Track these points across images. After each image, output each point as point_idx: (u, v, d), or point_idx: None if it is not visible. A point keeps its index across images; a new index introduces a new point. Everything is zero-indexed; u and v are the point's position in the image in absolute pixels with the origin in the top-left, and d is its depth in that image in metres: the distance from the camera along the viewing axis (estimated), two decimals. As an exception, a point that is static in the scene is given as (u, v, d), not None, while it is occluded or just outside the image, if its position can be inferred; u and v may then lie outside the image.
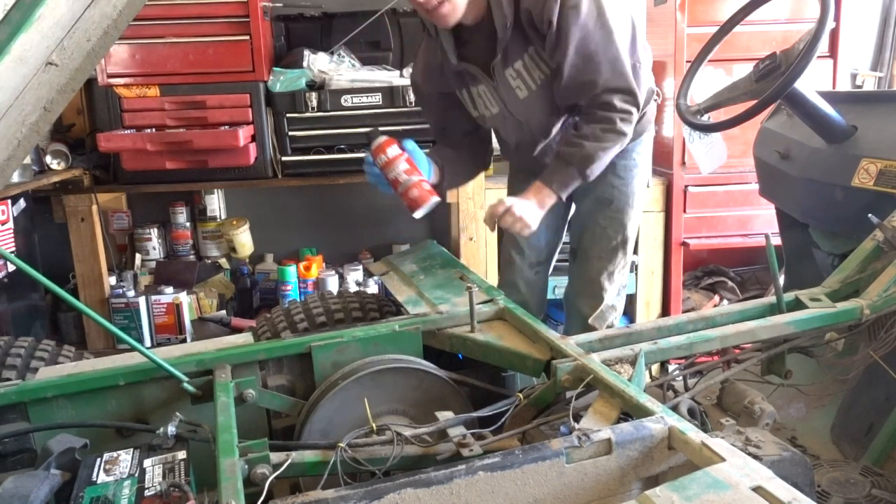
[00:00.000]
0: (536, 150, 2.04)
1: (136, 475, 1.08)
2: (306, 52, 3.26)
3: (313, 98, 3.15)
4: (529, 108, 1.96)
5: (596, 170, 1.87)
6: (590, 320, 2.09)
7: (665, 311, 3.29)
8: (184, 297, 3.38)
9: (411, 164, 1.84)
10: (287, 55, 3.36)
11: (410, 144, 1.89)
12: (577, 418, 1.15)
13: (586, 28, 1.77)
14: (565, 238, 2.34)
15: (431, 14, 1.81)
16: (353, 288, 3.42)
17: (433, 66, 2.03)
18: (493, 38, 1.86)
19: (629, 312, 3.40)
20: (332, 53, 3.31)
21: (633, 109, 1.85)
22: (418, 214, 1.84)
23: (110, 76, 3.09)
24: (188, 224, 3.67)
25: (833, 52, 3.11)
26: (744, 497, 0.86)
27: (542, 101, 1.94)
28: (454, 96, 2.07)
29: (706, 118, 2.06)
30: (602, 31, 1.79)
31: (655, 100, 2.11)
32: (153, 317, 3.36)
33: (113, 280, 3.37)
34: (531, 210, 1.84)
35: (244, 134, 3.05)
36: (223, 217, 3.69)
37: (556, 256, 2.34)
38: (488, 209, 1.86)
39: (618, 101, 1.83)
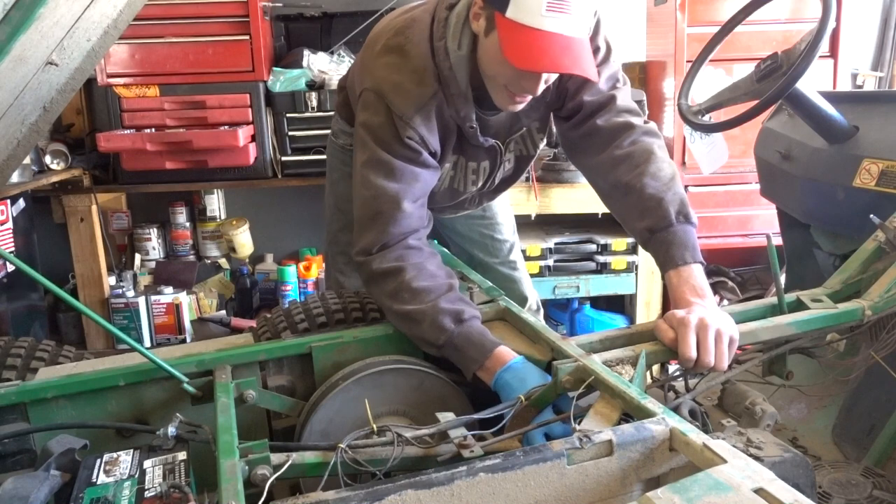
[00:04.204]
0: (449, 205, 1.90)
1: (137, 476, 1.08)
2: (306, 52, 3.27)
3: (313, 98, 3.15)
4: (502, 182, 1.87)
5: (691, 208, 1.55)
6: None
7: (665, 312, 3.29)
8: (183, 298, 3.38)
9: None
10: (287, 55, 3.37)
11: None
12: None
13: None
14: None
15: (510, 102, 1.55)
16: (353, 288, 3.41)
17: (447, 127, 1.60)
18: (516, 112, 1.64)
19: (629, 313, 3.41)
20: (332, 53, 3.31)
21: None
22: None
23: (110, 76, 3.10)
24: (188, 224, 3.67)
25: (833, 52, 3.11)
26: (745, 499, 0.85)
27: (514, 173, 1.86)
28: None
29: (707, 118, 2.06)
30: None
31: None
32: (153, 317, 3.36)
33: (112, 280, 3.37)
34: (718, 315, 1.38)
35: (244, 134, 3.05)
36: (223, 217, 3.70)
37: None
38: (683, 353, 1.32)
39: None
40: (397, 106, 1.53)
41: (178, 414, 1.19)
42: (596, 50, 1.61)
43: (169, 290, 3.39)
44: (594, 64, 1.46)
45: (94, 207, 3.21)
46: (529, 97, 1.54)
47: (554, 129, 1.81)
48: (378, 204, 1.53)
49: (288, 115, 3.17)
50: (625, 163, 1.58)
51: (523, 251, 2.74)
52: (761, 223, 3.14)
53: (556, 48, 1.38)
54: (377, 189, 1.53)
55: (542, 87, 1.49)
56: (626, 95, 1.67)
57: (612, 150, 1.60)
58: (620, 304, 3.52)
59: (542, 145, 1.85)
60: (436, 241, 2.30)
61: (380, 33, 1.66)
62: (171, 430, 1.16)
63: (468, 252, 2.26)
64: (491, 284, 1.82)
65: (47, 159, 3.09)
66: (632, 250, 3.25)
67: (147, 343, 3.32)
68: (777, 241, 2.22)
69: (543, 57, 1.38)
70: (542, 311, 2.36)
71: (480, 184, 1.81)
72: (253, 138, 3.15)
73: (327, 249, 2.18)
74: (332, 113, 3.12)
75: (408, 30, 1.59)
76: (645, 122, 1.64)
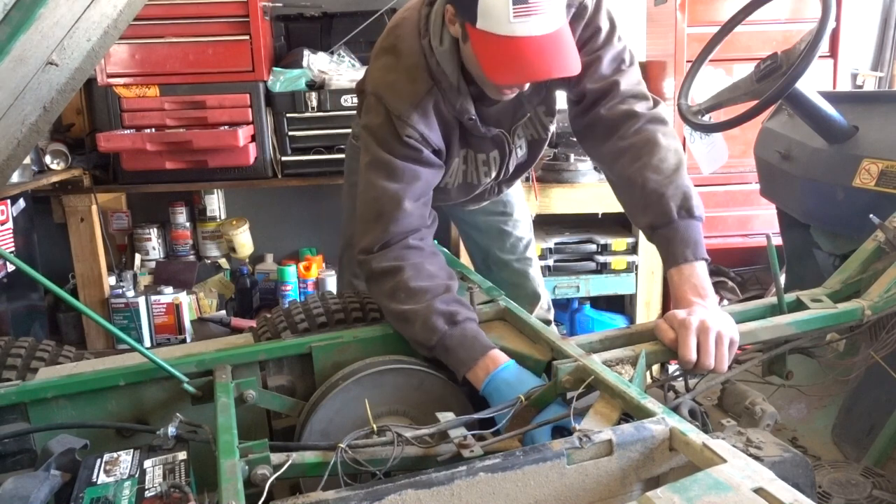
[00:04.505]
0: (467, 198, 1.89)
1: (137, 476, 1.08)
2: (306, 52, 3.27)
3: (313, 98, 3.15)
4: (518, 168, 1.86)
5: (697, 200, 1.49)
6: (536, 316, 2.09)
7: (665, 312, 3.29)
8: (183, 298, 3.38)
9: None
10: (287, 55, 3.37)
11: None
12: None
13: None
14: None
15: (501, 94, 1.55)
16: (353, 288, 3.41)
17: (447, 121, 1.60)
18: (516, 98, 1.63)
19: (629, 313, 3.41)
20: (332, 53, 3.31)
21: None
22: None
23: (110, 76, 3.10)
24: (188, 224, 3.67)
25: (833, 52, 3.11)
26: (745, 498, 0.85)
27: (528, 158, 1.85)
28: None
29: (707, 118, 2.05)
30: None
31: None
32: (153, 317, 3.36)
33: (112, 280, 3.37)
34: (719, 316, 1.36)
35: (244, 134, 3.05)
36: (223, 217, 3.70)
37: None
38: (683, 356, 1.31)
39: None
40: (394, 105, 1.53)
41: (178, 414, 1.19)
42: (596, 31, 1.58)
43: (169, 290, 3.39)
44: (576, 53, 1.44)
45: (94, 207, 3.21)
46: (518, 90, 1.55)
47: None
48: (380, 204, 1.54)
49: (288, 115, 3.17)
50: (627, 154, 1.55)
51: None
52: (761, 223, 3.14)
53: (531, 54, 1.37)
54: (379, 190, 1.54)
55: (527, 84, 1.51)
56: (631, 78, 1.61)
57: (615, 140, 1.58)
58: (620, 304, 3.52)
59: (553, 128, 1.83)
60: (434, 241, 2.30)
61: (380, 36, 1.68)
62: (171, 430, 1.16)
63: (485, 247, 2.25)
64: (491, 284, 1.82)
65: (47, 159, 3.09)
66: (632, 250, 3.25)
67: (147, 343, 3.32)
68: (777, 241, 2.21)
69: (521, 68, 1.39)
70: (552, 311, 2.35)
71: (494, 174, 1.80)
72: (253, 138, 3.15)
73: (342, 253, 2.17)
74: (332, 113, 3.16)
75: (398, 28, 1.60)
76: (650, 108, 1.59)
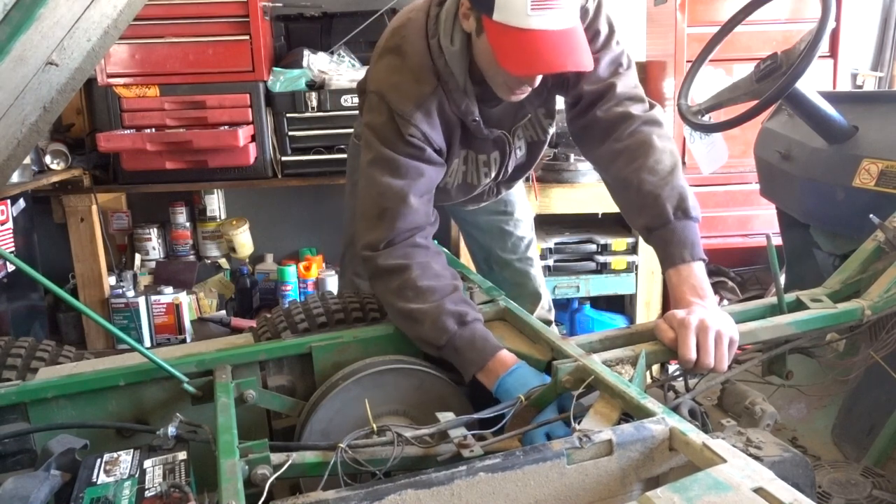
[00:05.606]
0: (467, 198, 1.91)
1: (137, 476, 1.08)
2: (306, 52, 3.27)
3: (313, 98, 3.16)
4: (517, 170, 1.87)
5: (693, 201, 1.50)
6: (537, 316, 2.09)
7: (665, 312, 3.29)
8: (183, 298, 3.38)
9: None
10: (287, 55, 3.37)
11: None
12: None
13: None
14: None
15: (511, 94, 1.56)
16: (353, 288, 3.41)
17: (450, 122, 1.60)
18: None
19: (629, 313, 3.41)
20: (332, 53, 3.31)
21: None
22: None
23: (110, 76, 3.10)
24: (188, 224, 3.67)
25: (833, 52, 3.12)
26: (745, 498, 0.85)
27: (527, 160, 1.86)
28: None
29: (707, 118, 2.05)
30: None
31: None
32: (153, 317, 3.37)
33: (113, 280, 3.37)
34: (718, 316, 1.36)
35: (244, 134, 3.05)
36: (223, 217, 3.70)
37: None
38: (682, 355, 1.32)
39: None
40: (397, 105, 1.54)
41: (178, 414, 1.19)
42: (596, 34, 1.59)
43: (169, 290, 3.39)
44: (588, 51, 1.45)
45: (94, 207, 3.21)
46: (529, 89, 1.55)
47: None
48: (384, 200, 1.53)
49: (288, 115, 3.18)
50: (623, 156, 1.56)
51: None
52: (761, 223, 3.14)
53: (546, 47, 1.38)
54: (383, 186, 1.54)
55: (539, 79, 1.51)
56: (628, 81, 1.63)
57: (611, 142, 1.59)
58: (620, 304, 3.52)
59: (553, 130, 1.84)
60: (434, 241, 2.29)
61: (382, 35, 1.68)
62: (171, 430, 1.16)
63: (487, 247, 2.25)
64: (491, 284, 1.82)
65: (47, 159, 3.09)
66: (632, 250, 3.25)
67: (147, 343, 3.32)
68: (777, 241, 2.22)
69: (535, 59, 1.39)
70: (553, 311, 2.35)
71: (493, 174, 1.81)
72: (253, 138, 3.16)
73: (345, 251, 2.17)
74: (332, 113, 3.17)
75: (403, 29, 1.60)
76: (646, 110, 1.60)
